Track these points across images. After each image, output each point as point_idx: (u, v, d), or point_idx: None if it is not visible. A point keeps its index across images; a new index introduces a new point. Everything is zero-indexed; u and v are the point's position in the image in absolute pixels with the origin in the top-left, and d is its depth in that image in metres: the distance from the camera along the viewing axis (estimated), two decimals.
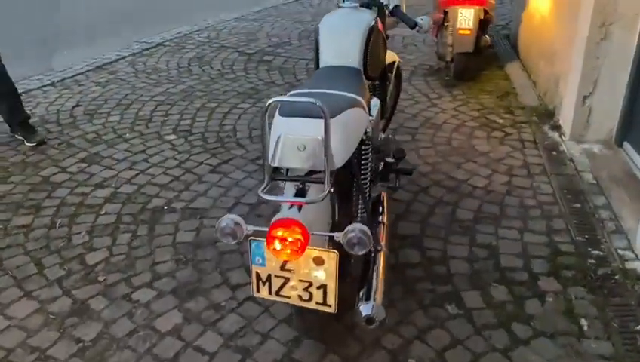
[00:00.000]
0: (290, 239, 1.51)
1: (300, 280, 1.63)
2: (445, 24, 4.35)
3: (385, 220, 2.15)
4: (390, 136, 2.80)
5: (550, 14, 4.05)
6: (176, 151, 3.49)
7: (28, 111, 3.81)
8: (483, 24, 4.28)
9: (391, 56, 2.80)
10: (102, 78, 4.76)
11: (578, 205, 2.79)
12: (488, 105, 4.00)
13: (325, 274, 1.60)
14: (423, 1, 6.27)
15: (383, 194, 2.30)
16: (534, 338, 2.04)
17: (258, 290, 1.69)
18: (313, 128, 1.58)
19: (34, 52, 5.57)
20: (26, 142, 3.59)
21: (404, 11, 2.65)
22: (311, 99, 1.49)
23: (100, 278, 2.41)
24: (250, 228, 1.60)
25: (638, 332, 2.05)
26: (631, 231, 2.55)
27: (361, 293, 1.76)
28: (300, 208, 1.62)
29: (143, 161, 3.37)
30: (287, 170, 1.72)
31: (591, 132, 3.35)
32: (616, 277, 2.32)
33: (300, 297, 1.66)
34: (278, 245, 1.53)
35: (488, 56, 4.87)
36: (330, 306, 1.65)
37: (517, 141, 3.47)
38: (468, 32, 4.12)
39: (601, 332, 2.06)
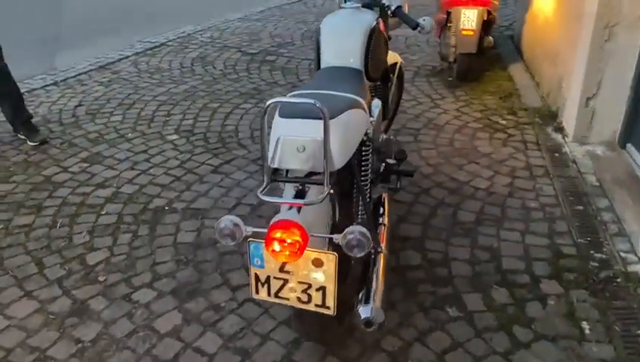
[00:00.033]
0: (288, 241, 1.50)
1: (299, 282, 1.62)
2: (448, 25, 4.33)
3: (385, 222, 2.14)
4: (392, 137, 2.79)
5: (554, 15, 4.03)
6: (177, 151, 3.49)
7: (30, 111, 3.82)
8: (486, 25, 4.26)
9: (393, 57, 2.79)
10: (105, 77, 4.77)
11: (581, 207, 2.77)
12: (491, 106, 3.98)
13: (324, 276, 1.59)
14: (426, 2, 6.27)
15: (384, 195, 2.29)
16: (535, 342, 2.03)
17: (257, 292, 1.68)
18: (313, 129, 1.57)
19: (37, 51, 5.58)
20: (28, 142, 3.60)
21: (406, 12, 2.64)
22: (310, 100, 1.48)
23: (101, 278, 2.41)
24: (249, 230, 1.59)
25: None
26: (634, 234, 2.53)
27: (360, 295, 1.75)
28: (299, 209, 1.61)
29: (144, 161, 3.37)
30: (287, 171, 1.71)
31: (594, 134, 3.34)
32: (619, 280, 2.30)
33: (299, 299, 1.65)
34: (276, 247, 1.52)
35: (491, 56, 4.86)
36: (329, 308, 1.64)
37: (520, 142, 3.46)
38: (471, 32, 4.11)
39: (602, 335, 2.05)
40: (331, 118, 1.60)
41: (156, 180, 3.16)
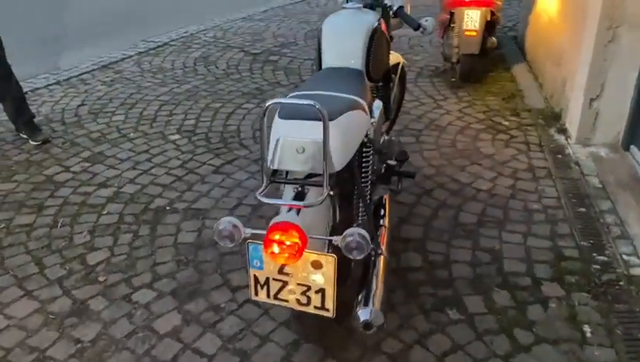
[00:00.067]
0: (287, 243, 1.50)
1: (298, 284, 1.62)
2: (451, 25, 4.32)
3: (386, 223, 2.13)
4: (393, 138, 2.77)
5: (557, 16, 4.01)
6: (179, 151, 3.48)
7: (33, 110, 3.83)
8: (490, 26, 4.25)
9: (395, 58, 2.78)
10: (107, 77, 4.77)
11: (583, 209, 2.76)
12: (494, 107, 3.97)
13: (324, 278, 1.58)
14: (430, 2, 6.25)
15: (385, 196, 2.28)
16: (536, 345, 2.02)
17: (256, 293, 1.68)
18: (312, 131, 1.56)
19: (40, 51, 5.59)
20: (30, 141, 3.60)
21: (408, 12, 2.63)
22: (310, 102, 1.47)
23: (101, 278, 2.41)
24: (248, 231, 1.59)
25: None
26: (637, 237, 2.51)
27: (360, 297, 1.74)
28: (298, 211, 1.60)
29: (146, 161, 3.37)
30: (287, 172, 1.71)
31: (597, 135, 3.32)
32: (621, 283, 2.29)
33: (298, 301, 1.64)
34: (275, 248, 1.51)
35: (495, 57, 4.84)
36: (328, 310, 1.63)
37: (522, 144, 3.44)
38: (474, 33, 4.09)
39: (604, 339, 2.03)
40: (331, 119, 1.59)
41: (157, 180, 3.16)
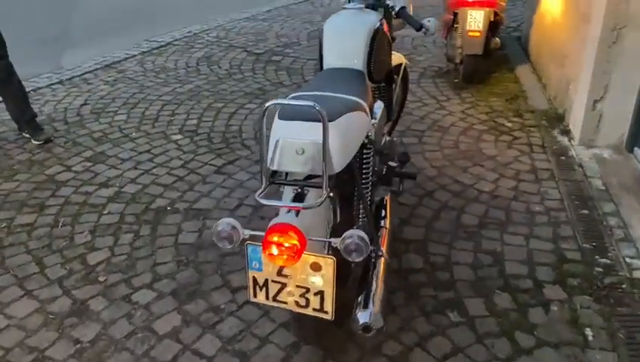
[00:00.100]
0: (286, 244, 1.49)
1: (297, 286, 1.61)
2: (455, 26, 4.30)
3: (387, 225, 2.12)
4: (395, 139, 2.76)
5: (561, 16, 3.99)
6: (181, 151, 3.48)
7: (36, 110, 3.83)
8: (493, 26, 4.23)
9: (397, 58, 2.76)
10: (110, 76, 4.78)
11: (586, 211, 2.74)
12: (497, 108, 3.95)
13: (322, 280, 1.57)
14: (434, 2, 6.24)
15: (387, 198, 2.26)
16: (537, 348, 2.00)
17: (255, 295, 1.67)
18: (312, 132, 1.55)
19: (44, 50, 5.60)
20: (32, 140, 3.61)
21: (410, 13, 2.61)
22: (309, 103, 1.46)
23: (101, 278, 2.41)
24: (247, 233, 1.58)
25: None
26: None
27: (359, 299, 1.73)
28: (297, 213, 1.59)
29: (147, 161, 3.36)
30: (287, 173, 1.70)
31: (601, 137, 3.30)
32: (624, 286, 2.27)
33: (297, 303, 1.63)
34: (274, 250, 1.50)
35: (498, 58, 4.82)
36: (327, 313, 1.62)
37: (525, 145, 3.42)
38: (477, 34, 4.08)
39: (606, 343, 2.02)
40: (331, 120, 1.58)
41: (159, 180, 3.15)
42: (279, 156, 1.60)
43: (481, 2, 4.06)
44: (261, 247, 1.54)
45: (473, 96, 4.18)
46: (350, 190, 1.97)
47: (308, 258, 1.55)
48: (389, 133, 2.95)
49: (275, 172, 1.66)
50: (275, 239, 1.48)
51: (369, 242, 1.51)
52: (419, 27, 2.48)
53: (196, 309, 2.22)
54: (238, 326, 2.14)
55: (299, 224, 1.50)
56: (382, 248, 1.92)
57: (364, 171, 2.00)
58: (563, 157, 3.25)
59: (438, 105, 4.04)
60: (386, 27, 2.42)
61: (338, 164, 1.62)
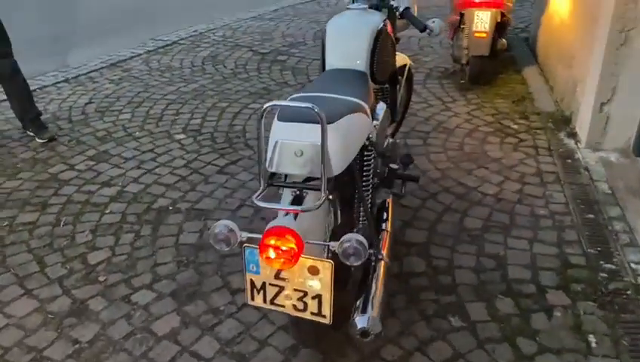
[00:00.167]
0: (283, 248, 1.47)
1: (295, 290, 1.59)
2: (461, 26, 4.27)
3: (388, 228, 2.09)
4: (398, 141, 2.74)
5: (570, 18, 3.95)
6: (184, 150, 3.47)
7: (41, 108, 3.84)
8: (500, 27, 4.19)
9: (401, 59, 2.74)
10: (115, 75, 4.78)
11: (591, 216, 2.70)
12: (503, 110, 3.91)
13: (320, 284, 1.56)
14: (441, 3, 6.21)
15: (388, 200, 2.24)
16: (539, 355, 1.97)
17: (252, 298, 1.66)
18: (311, 134, 1.54)
19: (50, 49, 5.61)
20: (36, 139, 3.61)
21: (415, 14, 2.59)
22: (308, 104, 1.44)
23: (101, 278, 2.40)
24: (245, 235, 1.56)
25: None
26: None
27: (358, 303, 1.71)
28: (295, 216, 1.57)
29: (150, 160, 3.36)
30: (286, 175, 1.68)
31: (608, 140, 3.26)
32: (629, 292, 2.23)
33: (294, 307, 1.62)
34: (271, 253, 1.49)
35: (505, 59, 4.78)
36: (325, 317, 1.60)
37: (531, 148, 3.39)
38: (484, 34, 4.04)
39: (610, 349, 1.98)
40: (330, 122, 1.57)
41: (161, 180, 3.15)
42: (278, 158, 1.58)
43: (487, 3, 4.02)
44: (258, 250, 1.52)
45: (479, 97, 4.14)
46: (350, 192, 1.95)
47: (306, 261, 1.53)
48: (393, 135, 2.93)
49: (273, 174, 1.65)
50: (272, 242, 1.47)
51: (367, 246, 1.49)
52: (423, 28, 2.46)
53: (195, 310, 2.21)
54: (237, 328, 2.12)
55: (297, 227, 1.49)
56: (382, 251, 1.90)
57: (364, 173, 1.98)
58: (569, 161, 3.21)
59: (444, 106, 4.01)
60: (389, 28, 2.39)
61: (337, 166, 1.60)
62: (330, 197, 1.64)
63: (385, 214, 2.16)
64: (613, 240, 2.53)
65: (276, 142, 1.58)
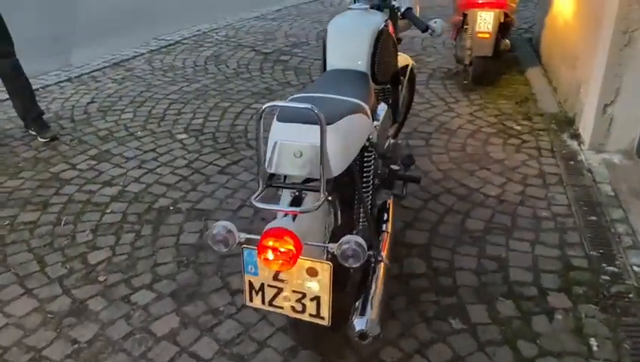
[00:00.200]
0: (281, 249, 1.46)
1: (293, 291, 1.58)
2: (464, 27, 4.25)
3: (389, 229, 2.08)
4: (399, 142, 2.72)
5: (573, 18, 3.93)
6: (186, 150, 3.47)
7: (43, 107, 3.85)
8: (503, 28, 4.17)
9: (404, 59, 2.73)
10: (118, 74, 4.78)
11: (594, 218, 2.68)
12: (506, 111, 3.89)
13: (319, 285, 1.55)
14: (444, 3, 6.18)
15: (389, 201, 2.23)
16: (540, 358, 1.96)
17: (251, 300, 1.65)
18: (311, 135, 1.53)
19: (52, 48, 5.62)
20: (38, 138, 3.62)
21: (417, 14, 2.58)
22: (307, 105, 1.44)
23: (101, 278, 2.40)
24: (243, 236, 1.55)
25: None
26: None
27: (357, 304, 1.70)
28: (294, 217, 1.56)
29: (152, 160, 3.36)
30: (285, 176, 1.67)
31: (611, 142, 3.24)
32: (631, 295, 2.22)
33: (293, 308, 1.61)
34: (269, 255, 1.48)
35: (509, 60, 4.76)
36: (323, 319, 1.59)
37: (534, 149, 3.37)
38: (487, 35, 4.02)
39: (611, 353, 1.97)
40: (330, 123, 1.56)
41: (162, 179, 3.14)
42: (277, 158, 1.57)
43: (490, 3, 4.00)
44: (257, 251, 1.52)
45: (482, 98, 4.13)
46: (351, 193, 1.94)
47: (304, 263, 1.52)
48: (395, 136, 2.92)
49: (273, 175, 1.64)
50: (271, 244, 1.46)
51: (367, 248, 1.48)
52: (425, 28, 2.44)
53: (195, 311, 2.21)
54: (237, 329, 2.11)
55: (295, 228, 1.48)
56: (382, 253, 1.89)
57: (365, 174, 1.97)
58: (572, 162, 3.19)
59: (447, 107, 3.99)
60: (391, 28, 2.38)
61: (337, 167, 1.59)
62: (330, 198, 1.63)
63: (385, 215, 2.15)
64: (616, 243, 2.51)
65: (275, 143, 1.58)
